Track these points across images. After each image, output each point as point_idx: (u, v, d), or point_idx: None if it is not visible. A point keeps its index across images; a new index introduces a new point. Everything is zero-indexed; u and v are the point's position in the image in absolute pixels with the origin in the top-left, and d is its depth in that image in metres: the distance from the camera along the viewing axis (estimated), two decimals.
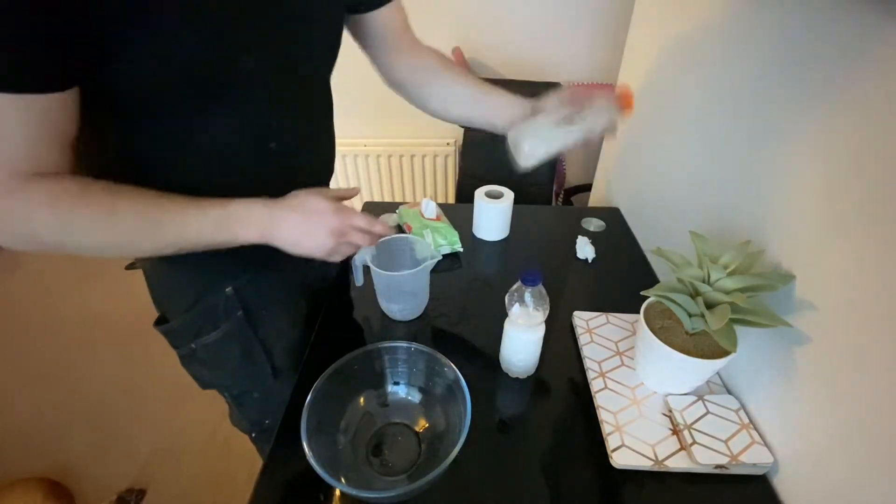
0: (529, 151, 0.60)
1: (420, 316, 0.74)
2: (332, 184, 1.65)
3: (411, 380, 0.58)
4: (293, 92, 0.55)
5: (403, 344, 0.56)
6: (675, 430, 0.55)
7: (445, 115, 0.70)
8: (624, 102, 0.60)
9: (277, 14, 0.48)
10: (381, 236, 0.59)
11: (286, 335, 0.71)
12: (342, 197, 0.59)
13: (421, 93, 0.69)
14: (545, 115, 0.61)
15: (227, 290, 0.62)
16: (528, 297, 0.57)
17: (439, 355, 0.54)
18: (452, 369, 0.53)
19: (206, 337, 0.64)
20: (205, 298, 0.62)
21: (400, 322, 0.73)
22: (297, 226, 0.51)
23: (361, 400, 0.57)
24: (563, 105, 0.60)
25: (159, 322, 0.66)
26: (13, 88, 0.36)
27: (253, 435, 0.84)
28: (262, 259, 0.56)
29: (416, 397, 0.58)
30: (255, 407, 0.76)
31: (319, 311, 0.75)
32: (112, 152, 0.50)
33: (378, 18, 0.63)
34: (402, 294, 0.71)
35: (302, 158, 0.61)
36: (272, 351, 0.70)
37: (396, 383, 0.59)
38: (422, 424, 0.56)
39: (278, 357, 0.71)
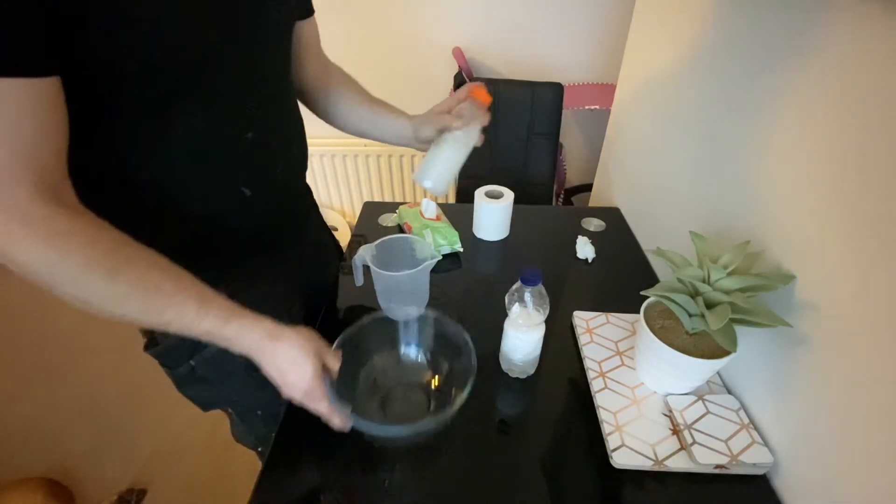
0: (438, 185, 0.66)
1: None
2: (332, 181, 1.65)
3: (421, 342, 0.62)
4: (263, 74, 0.54)
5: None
6: (675, 430, 0.55)
7: (344, 128, 0.74)
8: (482, 99, 0.64)
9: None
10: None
11: None
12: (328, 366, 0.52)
13: (325, 105, 0.73)
14: (436, 146, 0.66)
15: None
16: (528, 297, 0.57)
17: (447, 318, 0.58)
18: (459, 329, 0.56)
19: (206, 350, 0.60)
20: None
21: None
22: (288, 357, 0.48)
23: (373, 363, 0.60)
24: (445, 122, 0.65)
25: (149, 346, 0.61)
26: (14, 71, 0.33)
27: (259, 449, 0.82)
28: (253, 267, 0.59)
29: (425, 359, 0.62)
30: (262, 420, 0.73)
31: (318, 312, 0.74)
32: (84, 159, 0.46)
33: (301, 29, 0.64)
34: (402, 294, 0.71)
35: (279, 149, 0.60)
36: None
37: (408, 344, 0.62)
38: (431, 382, 0.61)
39: None
